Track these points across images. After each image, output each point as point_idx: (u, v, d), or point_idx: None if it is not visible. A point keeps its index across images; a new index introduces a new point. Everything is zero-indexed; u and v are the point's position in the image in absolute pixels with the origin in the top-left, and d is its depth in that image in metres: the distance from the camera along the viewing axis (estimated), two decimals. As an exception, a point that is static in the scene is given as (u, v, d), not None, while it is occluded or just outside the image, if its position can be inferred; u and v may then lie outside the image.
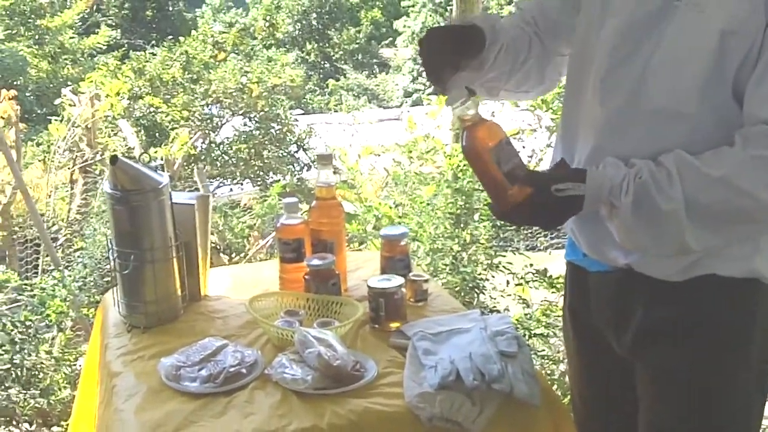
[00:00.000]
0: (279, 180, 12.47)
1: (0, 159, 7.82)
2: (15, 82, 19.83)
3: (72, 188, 8.80)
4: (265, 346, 2.70)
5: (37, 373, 4.60)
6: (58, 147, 8.61)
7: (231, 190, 13.72)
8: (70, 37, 24.31)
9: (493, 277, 5.27)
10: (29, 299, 4.81)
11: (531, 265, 5.13)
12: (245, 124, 14.52)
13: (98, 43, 25.33)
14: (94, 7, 28.98)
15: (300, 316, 2.77)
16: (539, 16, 2.54)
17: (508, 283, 5.21)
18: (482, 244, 5.24)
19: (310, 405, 2.33)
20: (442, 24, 28.44)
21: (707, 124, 2.06)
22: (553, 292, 5.02)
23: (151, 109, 12.59)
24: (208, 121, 13.85)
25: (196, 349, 2.58)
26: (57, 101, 9.12)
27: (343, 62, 37.93)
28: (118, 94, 8.50)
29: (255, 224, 7.88)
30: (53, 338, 4.99)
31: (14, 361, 4.44)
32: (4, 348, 4.42)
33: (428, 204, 5.32)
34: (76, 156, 8.66)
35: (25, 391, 4.46)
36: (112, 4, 32.83)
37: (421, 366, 2.43)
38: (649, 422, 2.34)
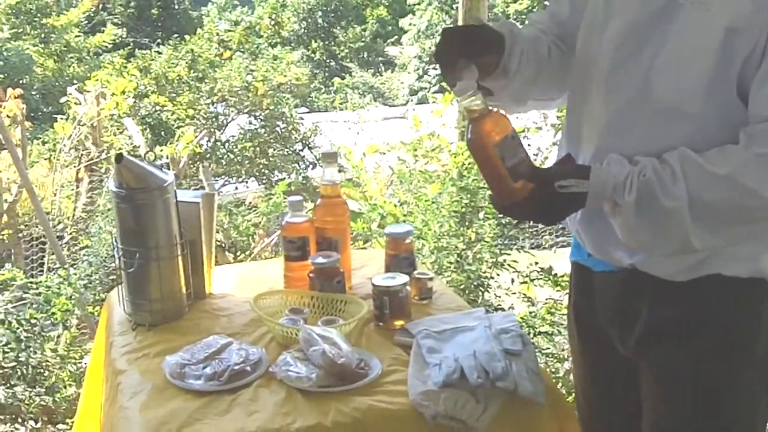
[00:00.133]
0: (284, 178, 12.47)
1: (6, 157, 7.84)
2: (21, 81, 19.86)
3: (77, 186, 8.83)
4: (269, 344, 2.70)
5: (42, 371, 4.61)
6: (64, 145, 8.63)
7: (236, 188, 13.74)
8: (76, 36, 24.35)
9: (498, 275, 5.27)
10: (35, 297, 4.81)
11: (536, 263, 5.13)
12: (250, 123, 14.56)
13: (104, 41, 25.37)
14: (100, 6, 29.03)
15: (304, 314, 2.77)
16: (551, 24, 2.52)
17: (512, 281, 5.21)
18: (487, 242, 5.24)
19: (315, 403, 2.33)
20: (449, 22, 28.38)
21: (712, 123, 2.05)
22: (557, 291, 5.02)
23: (157, 108, 12.60)
24: (214, 119, 13.89)
25: (201, 347, 2.58)
26: (63, 100, 9.13)
27: (348, 60, 37.91)
28: (123, 92, 8.51)
29: (260, 222, 7.88)
30: (59, 336, 4.99)
31: (20, 359, 4.44)
32: (9, 346, 4.42)
33: (433, 202, 5.32)
34: (82, 154, 8.68)
35: (30, 389, 4.46)
36: (117, 2, 32.86)
37: (425, 364, 2.43)
38: (654, 423, 2.33)
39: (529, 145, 5.85)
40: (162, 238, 2.86)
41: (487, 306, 5.06)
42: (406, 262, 3.09)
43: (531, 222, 3.11)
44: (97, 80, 9.00)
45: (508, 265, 5.23)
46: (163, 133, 12.93)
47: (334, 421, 2.26)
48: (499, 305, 5.21)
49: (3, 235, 7.94)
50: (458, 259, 5.16)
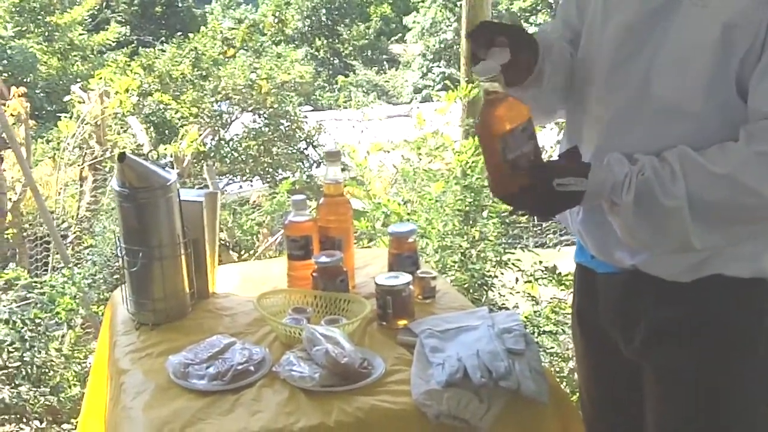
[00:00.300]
0: (288, 177, 12.47)
1: (10, 156, 7.84)
2: (25, 79, 19.88)
3: (81, 185, 8.83)
4: (273, 343, 2.70)
5: (47, 370, 4.61)
6: (68, 144, 8.64)
7: (240, 186, 13.73)
8: (80, 34, 24.39)
9: (502, 274, 5.27)
10: (39, 297, 4.82)
11: (540, 262, 5.13)
12: (254, 121, 14.54)
13: (108, 39, 25.41)
14: (104, 4, 29.08)
15: (308, 313, 2.77)
16: (565, 30, 2.51)
17: (517, 280, 5.21)
18: (491, 241, 5.24)
19: (318, 402, 2.33)
20: (453, 19, 28.29)
21: (713, 122, 2.05)
22: (562, 290, 5.02)
23: (161, 106, 12.60)
24: (218, 117, 13.88)
25: (204, 347, 2.58)
26: (66, 98, 9.14)
27: (352, 58, 37.91)
28: (127, 90, 8.52)
29: (264, 221, 7.89)
30: (63, 336, 5.00)
31: (24, 359, 4.45)
32: (14, 346, 4.43)
33: (437, 201, 5.32)
34: (86, 153, 8.69)
35: (35, 389, 4.46)
36: (121, 0, 32.87)
37: (428, 363, 2.43)
38: (655, 423, 2.32)
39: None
40: (165, 237, 2.86)
41: (492, 305, 5.06)
42: (410, 261, 3.09)
43: (526, 212, 3.08)
44: (101, 78, 9.01)
45: (512, 264, 5.23)
46: (167, 131, 12.92)
47: (337, 421, 2.26)
48: (504, 304, 5.21)
49: (7, 234, 7.95)
50: (462, 257, 5.15)
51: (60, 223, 8.13)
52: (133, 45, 24.35)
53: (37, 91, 21.12)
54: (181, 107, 13.01)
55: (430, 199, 5.37)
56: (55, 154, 10.08)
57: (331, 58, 38.68)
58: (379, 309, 2.81)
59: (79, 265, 5.93)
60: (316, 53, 37.39)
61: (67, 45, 23.79)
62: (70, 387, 4.66)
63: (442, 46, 33.83)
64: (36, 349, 4.50)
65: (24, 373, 4.45)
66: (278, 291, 2.98)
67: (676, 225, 2.03)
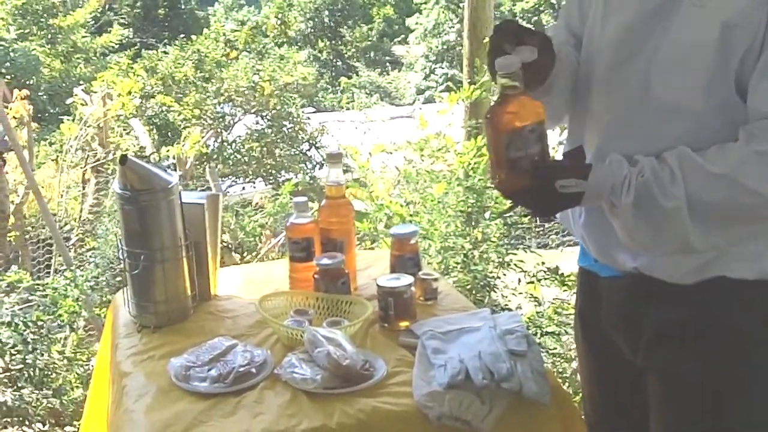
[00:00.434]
0: (291, 178, 12.48)
1: (13, 159, 7.85)
2: (28, 82, 19.91)
3: (84, 188, 8.83)
4: (274, 345, 2.70)
5: (49, 373, 4.60)
6: (71, 146, 8.64)
7: (243, 188, 13.73)
8: (83, 36, 24.41)
9: (505, 275, 5.26)
10: (41, 299, 4.82)
11: (542, 263, 5.12)
12: (257, 123, 14.54)
13: (111, 42, 25.43)
14: (107, 6, 29.07)
15: (309, 315, 2.77)
16: (569, 35, 2.50)
17: (519, 281, 5.20)
18: (493, 242, 5.23)
19: (320, 404, 2.33)
20: (456, 21, 28.28)
21: (714, 121, 2.05)
22: (564, 290, 5.01)
23: (163, 108, 12.61)
24: (221, 119, 13.89)
25: (206, 349, 2.58)
26: (69, 101, 9.14)
27: (355, 60, 37.94)
28: (129, 93, 8.52)
29: (267, 223, 7.89)
30: (66, 338, 5.00)
31: (27, 361, 4.44)
32: (16, 348, 4.42)
33: (439, 202, 5.32)
34: (88, 155, 8.69)
35: (37, 391, 4.46)
36: (124, 2, 32.93)
37: (430, 365, 2.43)
38: (660, 427, 2.32)
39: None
40: (167, 239, 2.87)
41: (494, 306, 5.06)
42: (411, 262, 3.09)
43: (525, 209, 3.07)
44: (104, 81, 9.02)
45: (515, 265, 5.22)
46: (169, 133, 12.93)
47: (339, 423, 2.26)
48: (506, 305, 5.20)
49: (10, 236, 7.94)
50: (465, 259, 5.15)
51: (62, 226, 8.14)
52: (136, 47, 24.38)
53: (40, 94, 21.15)
54: (184, 109, 13.02)
55: (432, 201, 5.37)
56: (57, 156, 10.09)
57: (334, 60, 38.72)
58: (381, 311, 2.81)
59: (81, 268, 5.92)
60: (319, 55, 37.41)
61: (70, 47, 23.81)
62: (72, 389, 4.66)
63: (445, 47, 33.87)
64: (38, 351, 4.49)
65: (26, 375, 4.45)
66: (280, 293, 2.99)
67: (675, 226, 2.03)
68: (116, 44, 25.76)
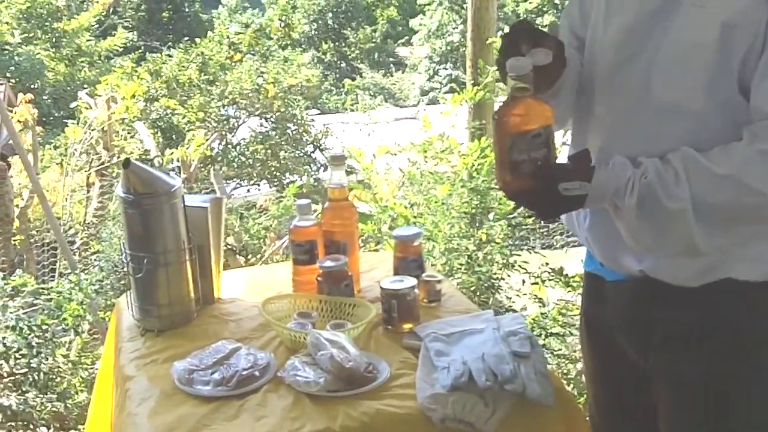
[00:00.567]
0: (295, 180, 12.48)
1: (17, 163, 7.86)
2: (32, 86, 19.94)
3: (88, 191, 8.84)
4: (278, 348, 2.70)
5: (54, 377, 4.60)
6: (75, 150, 8.65)
7: (248, 191, 13.74)
8: (87, 40, 24.45)
9: (509, 276, 5.25)
10: (46, 303, 4.81)
11: (547, 264, 5.11)
12: (261, 125, 14.54)
13: (115, 45, 25.47)
14: (111, 10, 29.11)
15: (313, 318, 2.76)
16: (572, 38, 2.49)
17: (523, 282, 5.19)
18: (498, 243, 5.23)
19: (323, 407, 2.33)
20: (459, 22, 28.25)
21: (715, 121, 2.04)
22: (569, 291, 5.00)
23: (168, 111, 12.62)
24: (225, 122, 13.89)
25: (209, 353, 2.58)
26: (73, 104, 9.16)
27: (359, 61, 37.98)
28: (133, 96, 8.52)
29: (271, 225, 7.89)
30: (70, 342, 5.00)
31: (31, 365, 4.44)
32: (21, 352, 4.42)
33: (443, 203, 5.31)
34: (93, 159, 8.70)
35: (42, 395, 4.46)
36: (128, 6, 32.95)
37: (433, 367, 2.43)
38: (667, 429, 2.32)
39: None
40: (170, 243, 2.87)
41: (499, 307, 5.05)
42: (415, 264, 3.09)
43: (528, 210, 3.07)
44: (108, 84, 9.03)
45: (519, 266, 5.21)
46: (174, 136, 12.94)
47: (342, 426, 2.26)
48: (511, 306, 5.20)
49: (15, 240, 7.96)
50: (469, 260, 5.14)
51: (67, 230, 8.14)
52: (140, 50, 24.40)
53: (45, 98, 21.20)
54: (188, 112, 13.03)
55: (436, 202, 5.37)
56: (62, 160, 10.11)
57: (338, 62, 38.75)
58: (385, 313, 2.80)
59: (86, 271, 5.92)
60: (323, 57, 37.45)
61: (75, 51, 23.85)
62: (77, 393, 4.66)
63: (449, 48, 33.92)
64: (43, 355, 4.49)
65: (31, 379, 4.45)
66: (283, 296, 2.98)
67: (680, 228, 2.02)
68: (120, 48, 25.80)
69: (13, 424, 4.33)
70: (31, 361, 4.43)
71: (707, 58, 2.01)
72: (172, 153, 8.18)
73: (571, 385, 4.51)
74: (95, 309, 5.17)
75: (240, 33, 18.22)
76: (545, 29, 2.24)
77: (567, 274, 5.01)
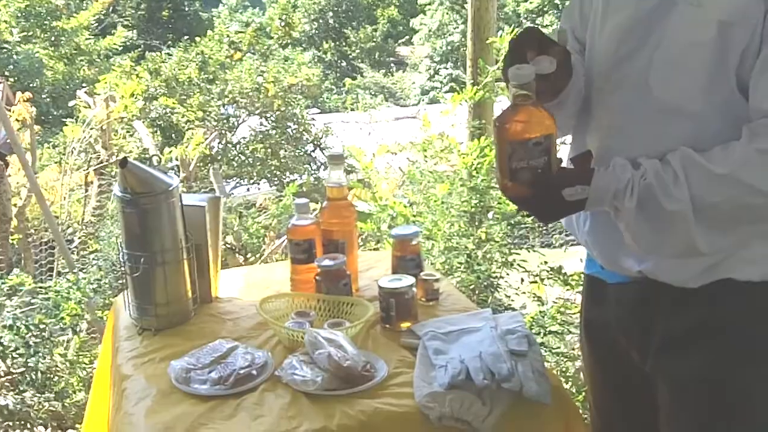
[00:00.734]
0: (295, 180, 12.48)
1: (15, 161, 7.85)
2: (31, 84, 19.93)
3: (87, 190, 8.84)
4: (275, 347, 2.70)
5: (51, 376, 4.60)
6: (73, 149, 8.64)
7: (248, 189, 13.74)
8: (86, 39, 24.43)
9: (508, 274, 5.26)
10: (44, 302, 4.80)
11: (546, 262, 5.11)
12: (261, 124, 14.54)
13: (114, 44, 25.46)
14: (110, 8, 29.11)
15: (311, 317, 2.76)
16: (575, 42, 2.49)
17: (522, 281, 5.19)
18: (497, 242, 5.23)
19: (320, 406, 2.32)
20: (460, 21, 28.27)
21: (714, 120, 2.03)
22: (567, 290, 5.00)
23: (167, 110, 12.61)
24: (225, 121, 13.89)
25: (207, 352, 2.58)
26: (72, 103, 9.15)
27: (359, 61, 38.00)
28: (132, 95, 8.52)
29: (270, 224, 7.89)
30: (68, 341, 4.99)
31: (29, 365, 4.43)
32: (18, 351, 4.41)
33: (443, 202, 5.31)
34: (91, 158, 8.70)
35: (39, 395, 4.45)
36: (128, 4, 32.98)
37: (431, 366, 2.43)
38: (668, 431, 2.31)
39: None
40: (167, 242, 2.86)
41: (498, 306, 5.05)
42: (413, 263, 3.09)
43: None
44: (107, 83, 9.02)
45: (518, 264, 5.21)
46: (173, 135, 12.94)
47: (339, 424, 2.25)
48: (510, 305, 5.20)
49: (12, 239, 7.95)
50: (468, 259, 5.14)
51: (65, 229, 8.13)
52: (140, 49, 24.43)
53: (43, 96, 21.19)
54: (188, 111, 13.03)
55: (435, 201, 5.37)
56: (60, 159, 10.10)
57: (339, 61, 38.77)
58: (383, 311, 2.81)
59: (84, 270, 5.92)
60: (324, 56, 37.47)
61: (74, 50, 23.84)
62: (74, 392, 4.65)
63: (449, 48, 33.94)
64: (40, 354, 4.48)
65: (28, 379, 4.44)
66: (281, 295, 2.98)
67: (680, 229, 2.02)
68: (120, 46, 25.79)
69: (10, 423, 4.32)
70: (29, 360, 4.43)
71: (705, 58, 2.00)
72: (170, 152, 8.17)
73: (570, 383, 4.51)
74: (93, 308, 5.17)
75: (240, 32, 18.26)
76: (553, 36, 2.23)
77: (566, 273, 5.01)
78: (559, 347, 4.83)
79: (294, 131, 14.87)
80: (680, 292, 2.15)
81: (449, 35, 34.18)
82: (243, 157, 14.34)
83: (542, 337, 4.71)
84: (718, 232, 2.03)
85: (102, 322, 5.09)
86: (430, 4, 35.86)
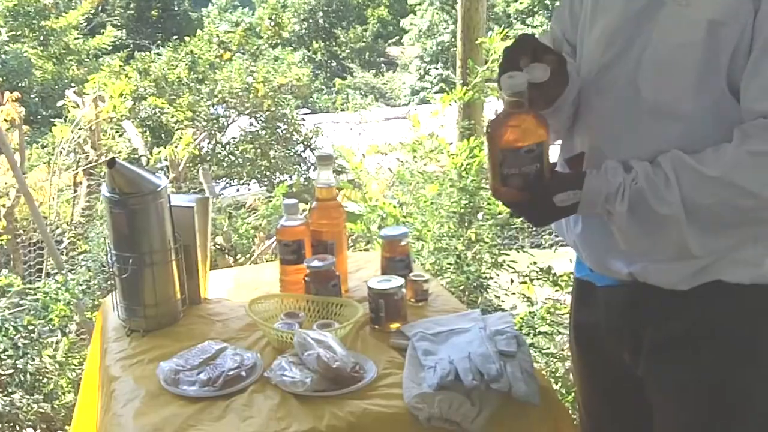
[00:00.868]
0: (285, 180, 12.46)
1: (3, 162, 7.82)
2: (19, 84, 19.87)
3: (76, 191, 8.81)
4: (264, 348, 2.70)
5: (40, 377, 4.59)
6: (62, 149, 8.62)
7: (238, 190, 13.71)
8: (75, 38, 24.35)
9: (498, 275, 5.25)
10: (32, 303, 4.79)
11: (535, 263, 5.11)
12: (251, 124, 14.50)
13: (103, 43, 25.37)
14: (99, 8, 29.04)
15: (300, 318, 2.76)
16: (567, 45, 2.48)
17: (512, 281, 5.19)
18: (486, 242, 5.22)
19: (309, 407, 2.33)
20: (450, 22, 28.28)
21: (705, 121, 2.03)
22: (557, 290, 5.00)
23: (156, 110, 12.58)
24: (214, 121, 13.85)
25: (196, 353, 2.58)
26: (61, 103, 9.13)
27: (349, 61, 37.95)
28: (121, 95, 8.50)
29: (260, 225, 7.88)
30: (57, 342, 4.98)
31: (17, 366, 4.42)
32: (7, 353, 4.40)
33: (432, 203, 5.31)
34: (80, 158, 8.67)
35: (28, 396, 4.44)
36: (117, 4, 32.90)
37: (420, 366, 2.43)
38: None
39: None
40: (156, 243, 2.86)
41: (488, 306, 5.05)
42: (402, 264, 3.09)
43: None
44: (95, 83, 9.00)
45: (508, 265, 5.21)
46: (163, 135, 12.90)
47: (329, 426, 2.26)
48: (500, 306, 5.20)
49: (1, 240, 7.92)
50: (458, 259, 5.14)
51: (54, 229, 8.10)
52: (129, 49, 24.35)
53: (32, 96, 21.11)
54: (177, 111, 13.00)
55: (425, 202, 5.36)
56: (49, 159, 10.07)
57: (329, 61, 38.73)
58: (372, 312, 2.81)
59: (73, 271, 5.90)
60: (314, 56, 37.40)
61: (63, 49, 23.75)
62: (64, 394, 4.64)
63: (439, 48, 33.94)
64: (29, 356, 4.47)
65: (17, 380, 4.43)
66: (270, 296, 2.98)
67: (672, 232, 2.02)
68: (109, 46, 25.70)
69: (-1, 425, 4.32)
70: (18, 362, 4.42)
71: (695, 58, 2.00)
72: (159, 152, 8.15)
73: (559, 384, 4.51)
74: (82, 309, 5.16)
75: (230, 32, 18.22)
76: (543, 38, 2.23)
77: (555, 273, 5.01)
78: (548, 348, 4.84)
79: (284, 131, 14.83)
80: (670, 295, 2.15)
81: (439, 35, 34.17)
82: (233, 158, 14.30)
83: (532, 338, 4.72)
84: (710, 234, 2.03)
85: (91, 324, 5.08)
86: (420, 4, 35.84)
